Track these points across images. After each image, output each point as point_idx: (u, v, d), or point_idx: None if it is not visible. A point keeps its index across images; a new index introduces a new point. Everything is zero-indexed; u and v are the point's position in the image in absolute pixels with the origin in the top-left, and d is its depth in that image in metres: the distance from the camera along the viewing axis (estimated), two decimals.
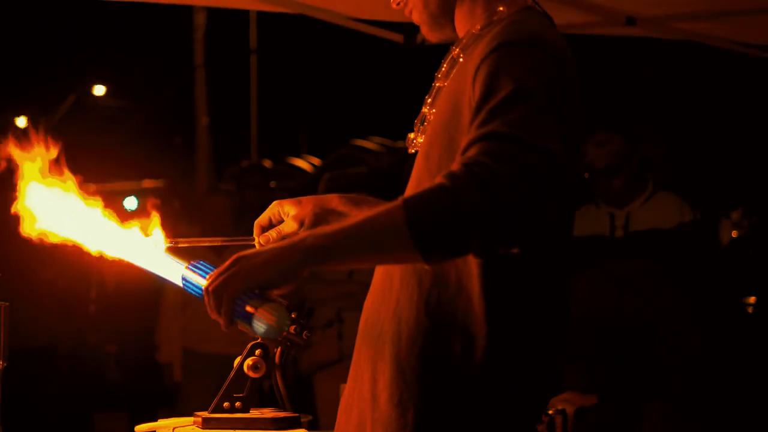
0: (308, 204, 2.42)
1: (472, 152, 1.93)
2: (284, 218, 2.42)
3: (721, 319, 3.78)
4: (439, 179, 1.92)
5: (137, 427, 2.36)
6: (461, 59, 2.21)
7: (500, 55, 2.04)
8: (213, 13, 16.91)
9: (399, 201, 1.94)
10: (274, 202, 2.45)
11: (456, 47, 2.24)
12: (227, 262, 2.06)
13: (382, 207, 1.98)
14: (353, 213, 2.40)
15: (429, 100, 2.26)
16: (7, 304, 2.48)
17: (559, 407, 3.44)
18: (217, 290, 2.04)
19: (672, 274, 3.94)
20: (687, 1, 4.90)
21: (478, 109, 1.99)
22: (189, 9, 16.56)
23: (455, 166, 1.92)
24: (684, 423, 3.71)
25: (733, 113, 12.12)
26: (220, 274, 2.05)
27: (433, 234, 1.91)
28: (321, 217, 2.42)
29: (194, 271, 2.25)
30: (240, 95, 19.87)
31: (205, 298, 2.07)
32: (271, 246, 2.06)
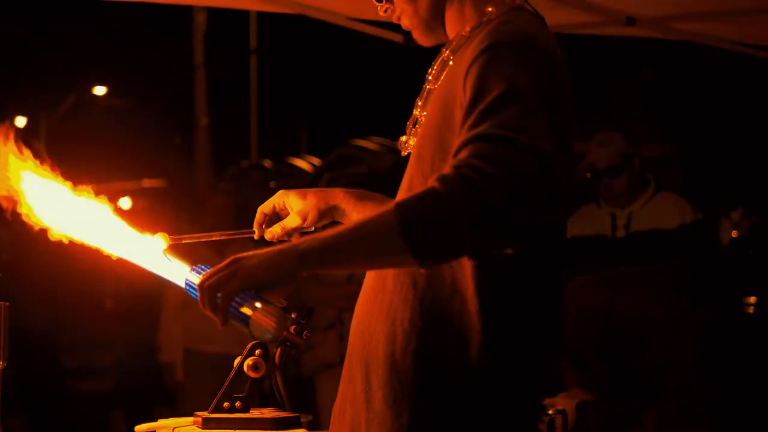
0: (312, 198, 2.42)
1: (462, 155, 1.93)
2: (289, 211, 2.43)
3: (721, 319, 3.78)
4: (430, 182, 1.93)
5: (137, 427, 2.36)
6: (451, 61, 2.21)
7: (490, 56, 2.04)
8: (213, 13, 16.92)
9: (392, 205, 1.94)
10: (280, 192, 2.45)
11: (446, 49, 2.24)
12: (224, 263, 2.04)
13: (376, 211, 1.98)
14: (357, 209, 2.42)
15: (420, 102, 2.27)
16: (8, 304, 2.47)
17: (559, 407, 3.44)
18: (211, 288, 2.02)
19: (669, 277, 3.95)
20: (687, 1, 4.90)
21: (469, 110, 1.99)
22: (189, 9, 16.58)
23: (447, 169, 1.92)
24: (680, 423, 3.71)
25: (733, 113, 12.12)
26: (215, 273, 2.03)
27: (425, 238, 1.91)
28: (325, 212, 2.42)
29: (198, 275, 2.22)
30: (240, 95, 19.88)
31: (199, 294, 2.05)
32: (267, 249, 2.05)
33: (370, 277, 2.23)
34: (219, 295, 2.01)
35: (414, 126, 2.26)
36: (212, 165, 16.82)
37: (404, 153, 2.28)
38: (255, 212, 2.46)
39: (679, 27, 5.23)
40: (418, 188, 2.09)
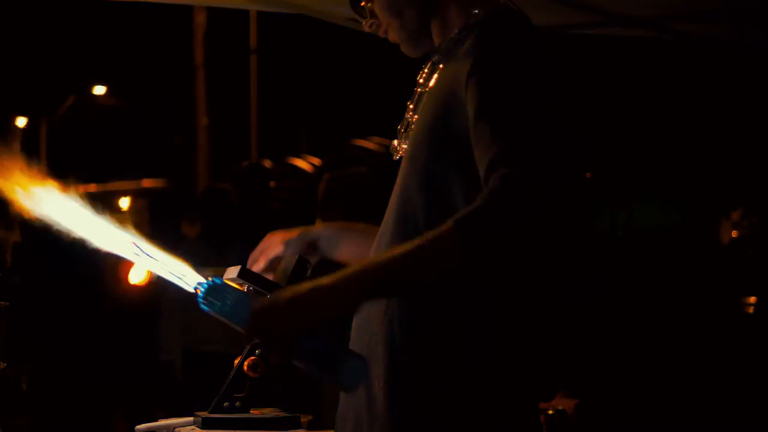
0: (296, 230, 2.45)
1: (504, 169, 1.91)
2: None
3: (719, 319, 3.78)
4: (484, 199, 1.91)
5: (137, 427, 2.36)
6: (441, 64, 2.21)
7: (489, 63, 2.04)
8: (213, 13, 16.93)
9: (450, 224, 1.91)
10: (267, 235, 2.47)
11: (436, 52, 2.25)
12: (278, 301, 1.97)
13: (433, 232, 1.94)
14: (340, 237, 2.44)
15: (411, 105, 2.27)
16: (7, 303, 2.48)
17: (559, 407, 3.45)
18: (280, 333, 1.96)
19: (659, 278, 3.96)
20: (687, 1, 4.90)
21: (483, 122, 1.98)
22: (189, 9, 16.59)
23: (494, 183, 1.91)
24: (676, 424, 3.71)
25: (733, 113, 12.13)
26: (274, 313, 1.96)
27: (490, 255, 1.91)
28: (307, 241, 2.44)
29: (208, 285, 2.15)
30: (240, 95, 19.89)
31: (263, 342, 2.02)
32: (318, 282, 1.97)
33: None
34: (287, 342, 1.96)
35: (405, 130, 2.27)
36: (212, 165, 16.83)
37: (397, 157, 2.27)
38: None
39: (679, 27, 5.23)
40: (414, 188, 2.10)
